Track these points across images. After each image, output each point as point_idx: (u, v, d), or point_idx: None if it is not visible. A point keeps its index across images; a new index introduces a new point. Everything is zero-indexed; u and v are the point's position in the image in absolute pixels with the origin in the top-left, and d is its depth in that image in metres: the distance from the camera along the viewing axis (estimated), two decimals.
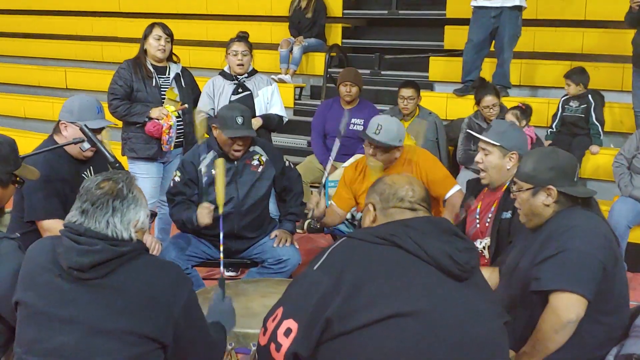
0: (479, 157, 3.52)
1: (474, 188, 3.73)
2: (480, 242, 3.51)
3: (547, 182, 2.77)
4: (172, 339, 2.21)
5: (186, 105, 5.04)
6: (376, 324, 1.95)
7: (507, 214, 3.33)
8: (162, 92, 5.00)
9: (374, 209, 2.29)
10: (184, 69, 5.21)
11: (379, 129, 4.09)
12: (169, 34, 5.06)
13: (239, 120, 4.07)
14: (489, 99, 5.89)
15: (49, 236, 2.41)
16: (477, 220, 3.58)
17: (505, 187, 3.44)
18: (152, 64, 5.03)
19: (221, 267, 3.26)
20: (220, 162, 3.79)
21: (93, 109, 3.70)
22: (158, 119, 4.86)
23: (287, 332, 2.01)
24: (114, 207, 2.21)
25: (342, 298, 1.97)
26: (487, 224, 3.51)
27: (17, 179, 2.79)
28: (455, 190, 4.18)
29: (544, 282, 2.59)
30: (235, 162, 4.19)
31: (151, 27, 5.06)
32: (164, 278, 2.23)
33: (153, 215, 2.44)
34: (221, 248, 3.84)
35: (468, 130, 4.75)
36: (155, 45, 4.99)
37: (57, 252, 2.21)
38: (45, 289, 2.20)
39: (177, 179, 4.22)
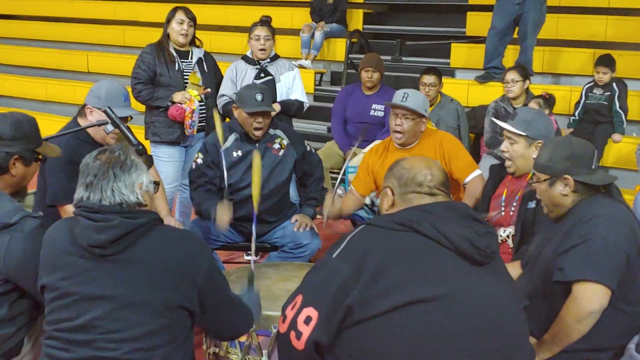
0: (504, 145, 3.50)
1: (497, 174, 3.71)
2: (504, 230, 3.50)
3: (563, 172, 2.75)
4: (197, 305, 2.26)
5: (209, 90, 5.04)
6: (397, 310, 1.94)
7: (532, 204, 3.29)
8: (185, 77, 5.01)
9: (392, 194, 2.26)
10: (206, 54, 5.21)
11: (405, 96, 4.11)
12: (192, 18, 5.05)
13: (258, 97, 4.09)
14: (509, 75, 5.89)
15: (64, 218, 2.43)
16: (502, 208, 3.56)
17: (530, 175, 3.41)
18: (174, 48, 5.03)
19: (252, 265, 3.21)
20: (257, 156, 3.63)
21: (120, 97, 3.68)
22: (181, 103, 4.86)
23: (307, 320, 1.99)
24: (115, 173, 2.25)
25: (362, 285, 1.96)
26: (511, 213, 3.49)
27: (39, 156, 2.81)
28: (475, 174, 4.15)
29: (567, 272, 2.57)
30: (257, 145, 4.20)
31: (174, 11, 5.06)
32: (184, 246, 2.27)
33: (156, 184, 2.47)
34: (252, 248, 3.65)
35: (492, 119, 4.72)
36: (178, 30, 4.99)
37: (74, 233, 2.24)
38: (69, 271, 2.23)
39: (199, 160, 4.22)
